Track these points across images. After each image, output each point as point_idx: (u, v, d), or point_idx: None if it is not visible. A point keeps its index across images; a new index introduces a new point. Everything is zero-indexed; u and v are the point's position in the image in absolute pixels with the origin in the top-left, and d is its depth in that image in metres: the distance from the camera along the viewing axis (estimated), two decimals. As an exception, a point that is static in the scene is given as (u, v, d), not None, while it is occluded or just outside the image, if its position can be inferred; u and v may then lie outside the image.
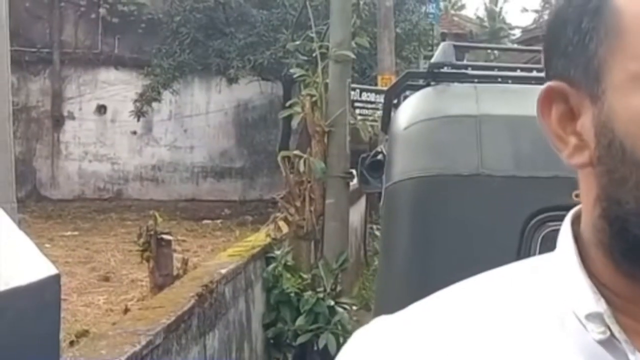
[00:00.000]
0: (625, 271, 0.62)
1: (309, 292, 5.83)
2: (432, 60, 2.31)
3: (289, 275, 5.87)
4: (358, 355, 0.67)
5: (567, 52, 0.63)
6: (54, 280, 1.99)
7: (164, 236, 5.52)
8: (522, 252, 1.82)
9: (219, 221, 12.85)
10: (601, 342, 0.61)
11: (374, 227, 9.22)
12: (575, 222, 0.68)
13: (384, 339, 0.67)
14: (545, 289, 0.66)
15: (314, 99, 6.19)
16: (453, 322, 0.66)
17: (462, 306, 0.67)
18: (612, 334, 0.61)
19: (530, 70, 2.42)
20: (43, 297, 1.94)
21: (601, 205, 0.63)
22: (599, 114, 0.61)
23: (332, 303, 5.81)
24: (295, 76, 6.98)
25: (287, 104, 7.19)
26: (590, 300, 0.62)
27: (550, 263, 0.68)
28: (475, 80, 2.21)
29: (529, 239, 1.85)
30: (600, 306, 0.62)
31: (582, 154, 0.63)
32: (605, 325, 0.61)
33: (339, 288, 6.05)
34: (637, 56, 0.59)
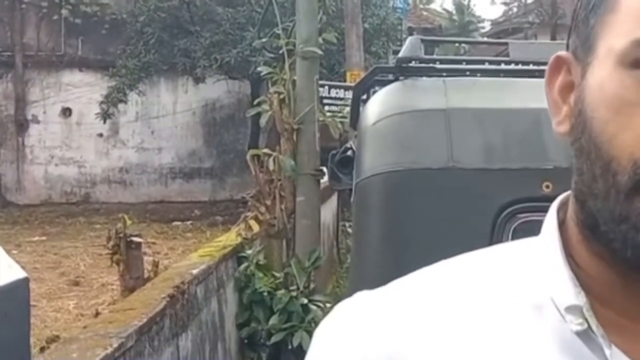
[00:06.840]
0: (595, 250, 0.63)
1: (282, 291, 5.81)
2: (400, 54, 2.31)
3: (261, 275, 5.85)
4: (340, 327, 0.69)
5: (577, 26, 0.67)
6: (23, 283, 1.96)
7: (134, 239, 5.47)
8: (494, 245, 1.81)
9: (189, 222, 12.78)
10: (578, 334, 0.61)
11: (346, 224, 9.22)
12: (562, 208, 0.68)
13: (365, 312, 0.68)
14: (526, 275, 0.66)
15: (282, 96, 6.16)
16: (432, 300, 0.67)
17: (443, 285, 0.68)
18: (589, 327, 0.61)
19: (498, 63, 2.43)
20: (12, 300, 1.90)
21: (574, 177, 0.64)
22: (581, 84, 0.64)
23: (306, 301, 5.80)
24: (262, 74, 6.94)
25: (255, 102, 7.15)
26: (571, 293, 0.62)
27: (533, 248, 0.68)
28: (444, 74, 2.21)
29: (500, 231, 1.85)
30: (580, 299, 0.62)
31: (568, 122, 0.65)
32: (584, 317, 0.61)
33: (312, 286, 6.03)
34: (619, 34, 0.61)
